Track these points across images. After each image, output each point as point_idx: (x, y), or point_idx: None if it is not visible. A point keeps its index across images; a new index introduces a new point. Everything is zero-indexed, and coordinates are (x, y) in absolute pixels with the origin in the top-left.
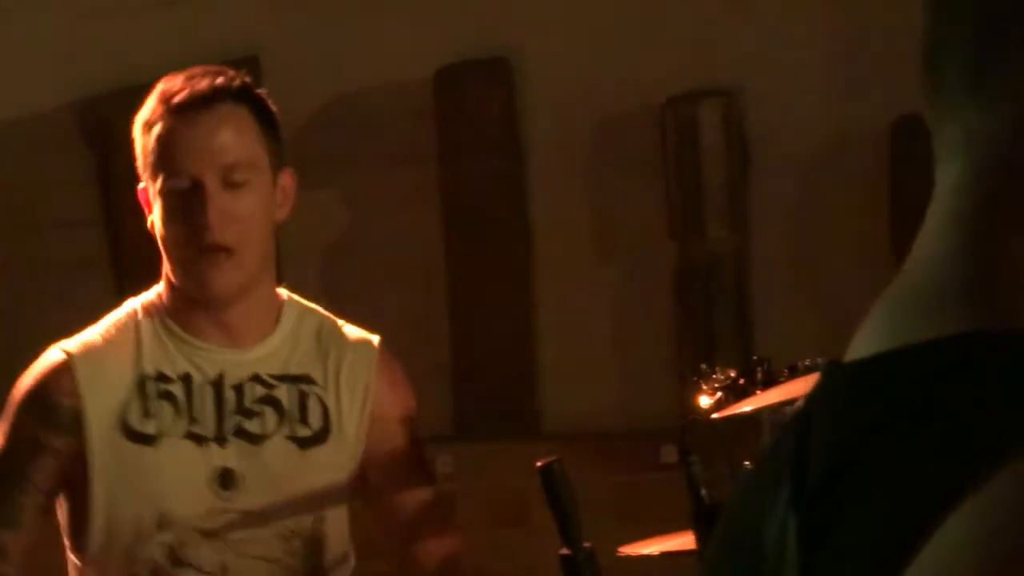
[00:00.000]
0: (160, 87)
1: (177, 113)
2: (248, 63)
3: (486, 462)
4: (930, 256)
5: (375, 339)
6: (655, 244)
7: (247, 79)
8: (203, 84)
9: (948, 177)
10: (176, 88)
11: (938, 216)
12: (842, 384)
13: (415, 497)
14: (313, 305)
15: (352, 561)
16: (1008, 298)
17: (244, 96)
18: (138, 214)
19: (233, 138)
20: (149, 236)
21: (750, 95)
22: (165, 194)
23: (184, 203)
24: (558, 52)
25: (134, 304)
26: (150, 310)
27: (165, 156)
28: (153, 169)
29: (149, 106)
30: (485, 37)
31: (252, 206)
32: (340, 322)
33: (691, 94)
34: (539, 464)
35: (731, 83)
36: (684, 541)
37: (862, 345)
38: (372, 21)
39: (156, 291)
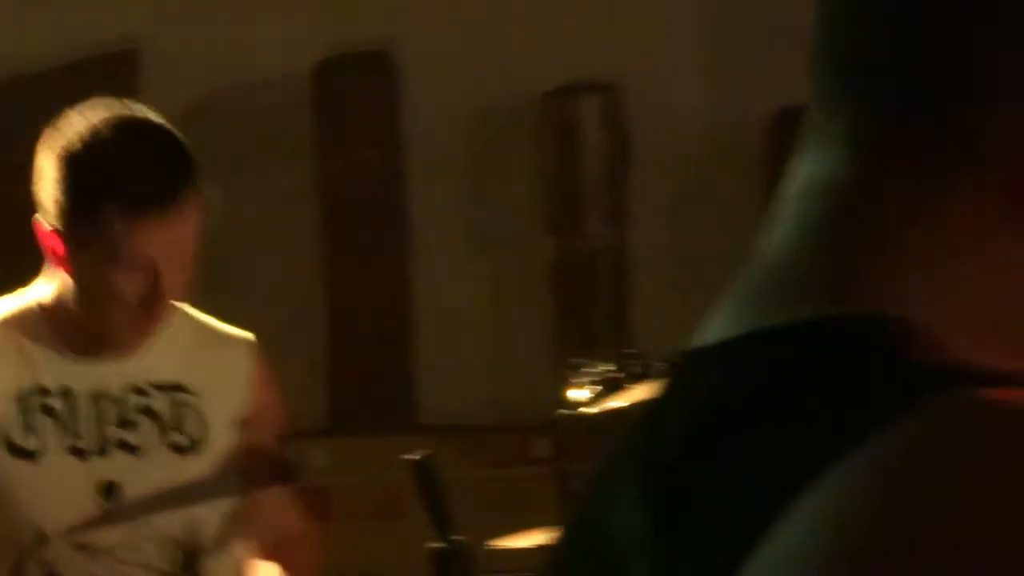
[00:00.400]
0: (98, 141)
1: (129, 209)
2: (126, 56)
3: (362, 456)
4: (786, 243)
5: (249, 338)
6: (533, 238)
7: (186, 146)
8: (162, 182)
9: (816, 165)
10: (127, 172)
11: (797, 203)
12: (696, 369)
13: (272, 497)
14: (185, 306)
15: (238, 555)
16: (865, 285)
17: (196, 175)
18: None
19: (188, 235)
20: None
21: (629, 89)
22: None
23: (126, 275)
24: (438, 46)
25: (14, 308)
26: (31, 320)
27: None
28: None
29: (86, 167)
30: (365, 30)
31: (189, 270)
32: (212, 322)
33: (570, 87)
34: (411, 458)
35: (610, 77)
36: (555, 534)
37: (716, 330)
38: (252, 14)
39: (36, 299)
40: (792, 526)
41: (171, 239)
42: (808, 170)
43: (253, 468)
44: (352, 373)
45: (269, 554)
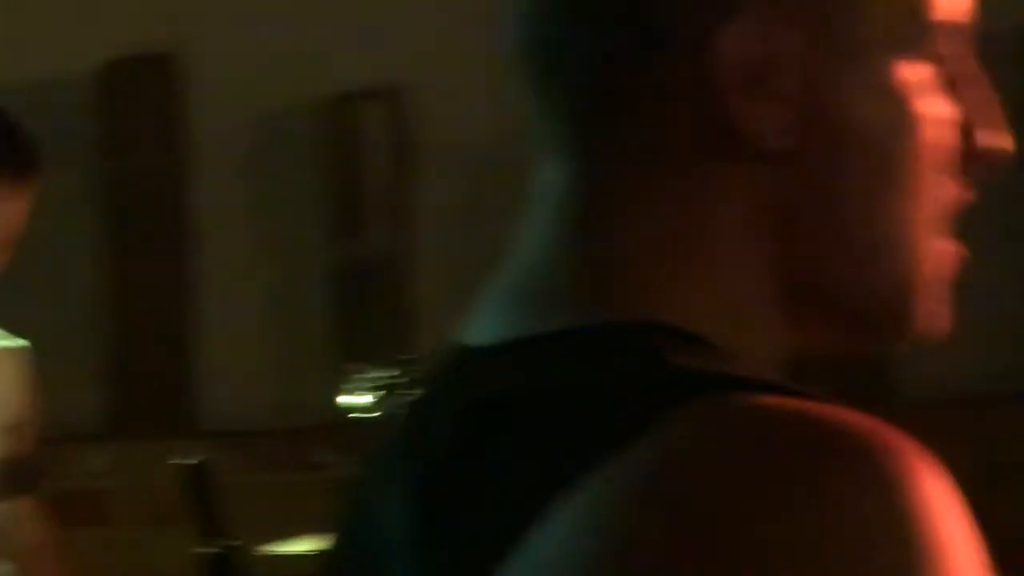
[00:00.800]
0: None
1: None
2: None
3: (140, 460)
4: (539, 250)
5: (24, 346)
6: (315, 244)
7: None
8: (19, 155)
9: (556, 172)
10: None
11: (544, 211)
12: (460, 372)
13: (21, 506)
14: None
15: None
16: (614, 293)
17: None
18: None
19: (21, 213)
20: None
21: (415, 95)
22: None
23: None
24: (223, 49)
25: None
26: None
27: None
28: None
29: None
30: (149, 32)
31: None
32: None
33: (354, 93)
34: (182, 463)
35: (396, 83)
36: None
37: (479, 332)
38: (34, 14)
39: None
40: (548, 530)
41: (10, 215)
42: (553, 178)
43: (7, 476)
44: (132, 377)
45: (16, 564)
